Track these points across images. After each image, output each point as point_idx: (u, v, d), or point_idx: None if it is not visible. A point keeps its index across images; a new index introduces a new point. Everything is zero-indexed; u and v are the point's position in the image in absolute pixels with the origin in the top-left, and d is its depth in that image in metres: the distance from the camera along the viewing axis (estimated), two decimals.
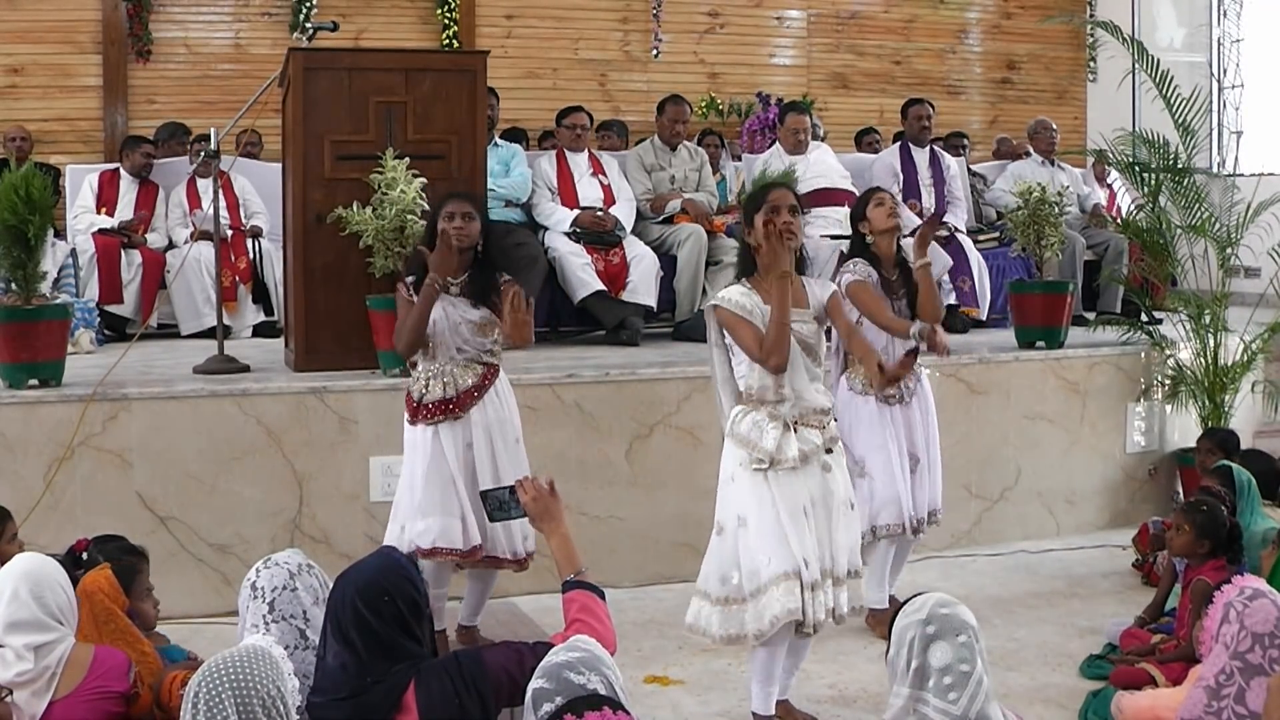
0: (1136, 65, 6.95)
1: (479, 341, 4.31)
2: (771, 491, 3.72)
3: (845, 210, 6.90)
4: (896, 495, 4.68)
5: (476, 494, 4.18)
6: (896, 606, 2.90)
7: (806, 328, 3.82)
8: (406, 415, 4.33)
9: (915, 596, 2.74)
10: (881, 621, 4.70)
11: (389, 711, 2.71)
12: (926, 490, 4.83)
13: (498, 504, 3.40)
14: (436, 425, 4.26)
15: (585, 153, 7.39)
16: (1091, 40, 11.06)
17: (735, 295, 3.82)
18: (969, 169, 8.76)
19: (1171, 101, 6.58)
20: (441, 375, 4.27)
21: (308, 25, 7.92)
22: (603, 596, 3.07)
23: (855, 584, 3.94)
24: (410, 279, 4.32)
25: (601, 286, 6.84)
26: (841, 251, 6.41)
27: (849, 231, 6.41)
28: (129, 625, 3.56)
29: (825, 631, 4.66)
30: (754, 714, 3.88)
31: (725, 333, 3.85)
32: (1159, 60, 6.70)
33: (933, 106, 8.09)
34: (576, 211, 7.08)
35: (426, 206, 5.04)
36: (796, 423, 3.78)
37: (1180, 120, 6.57)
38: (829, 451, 3.85)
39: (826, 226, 7.15)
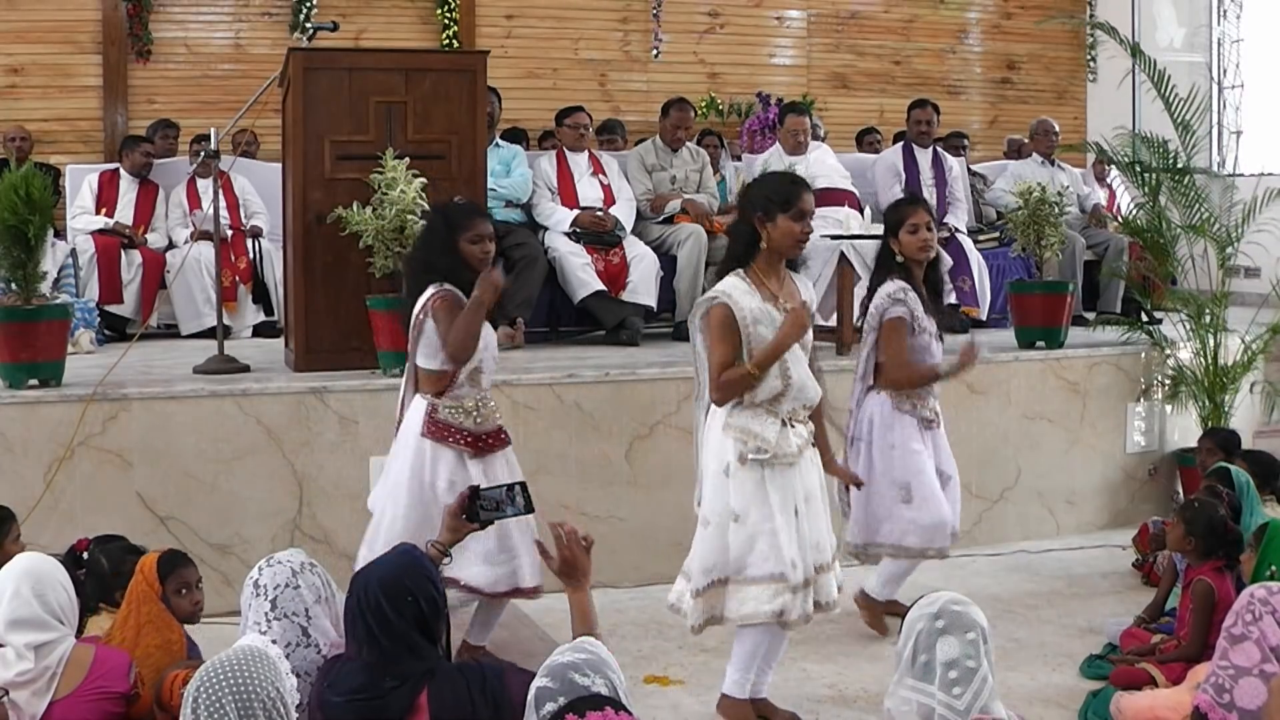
0: (1136, 66, 6.95)
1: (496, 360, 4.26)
2: (767, 489, 3.72)
3: (845, 210, 6.92)
4: (943, 519, 4.58)
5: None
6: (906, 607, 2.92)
7: None
8: (458, 442, 4.06)
9: (932, 593, 2.76)
10: (868, 606, 4.82)
11: (403, 713, 2.72)
12: (957, 505, 4.75)
13: (494, 504, 3.31)
14: (484, 459, 4.11)
15: (585, 153, 7.39)
16: (1091, 40, 11.06)
17: (739, 294, 3.73)
18: (969, 169, 8.77)
19: (1170, 101, 6.58)
20: (487, 404, 4.15)
21: (308, 25, 7.92)
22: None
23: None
24: (445, 287, 4.07)
25: (601, 286, 6.84)
26: (842, 253, 6.40)
27: (850, 231, 6.46)
28: (162, 611, 3.56)
29: (825, 632, 4.70)
30: (727, 695, 3.90)
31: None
32: (1156, 60, 6.71)
33: (937, 109, 8.09)
34: (576, 211, 7.08)
35: (426, 206, 5.04)
36: (790, 418, 3.79)
37: (1179, 120, 6.57)
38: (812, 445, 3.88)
39: (826, 226, 7.15)
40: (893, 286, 4.57)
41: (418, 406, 4.12)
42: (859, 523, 4.68)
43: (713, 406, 3.82)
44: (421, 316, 4.08)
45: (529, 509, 3.37)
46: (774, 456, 3.71)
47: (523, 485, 3.37)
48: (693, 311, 3.92)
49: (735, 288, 3.76)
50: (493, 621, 4.36)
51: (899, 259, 4.61)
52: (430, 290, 4.08)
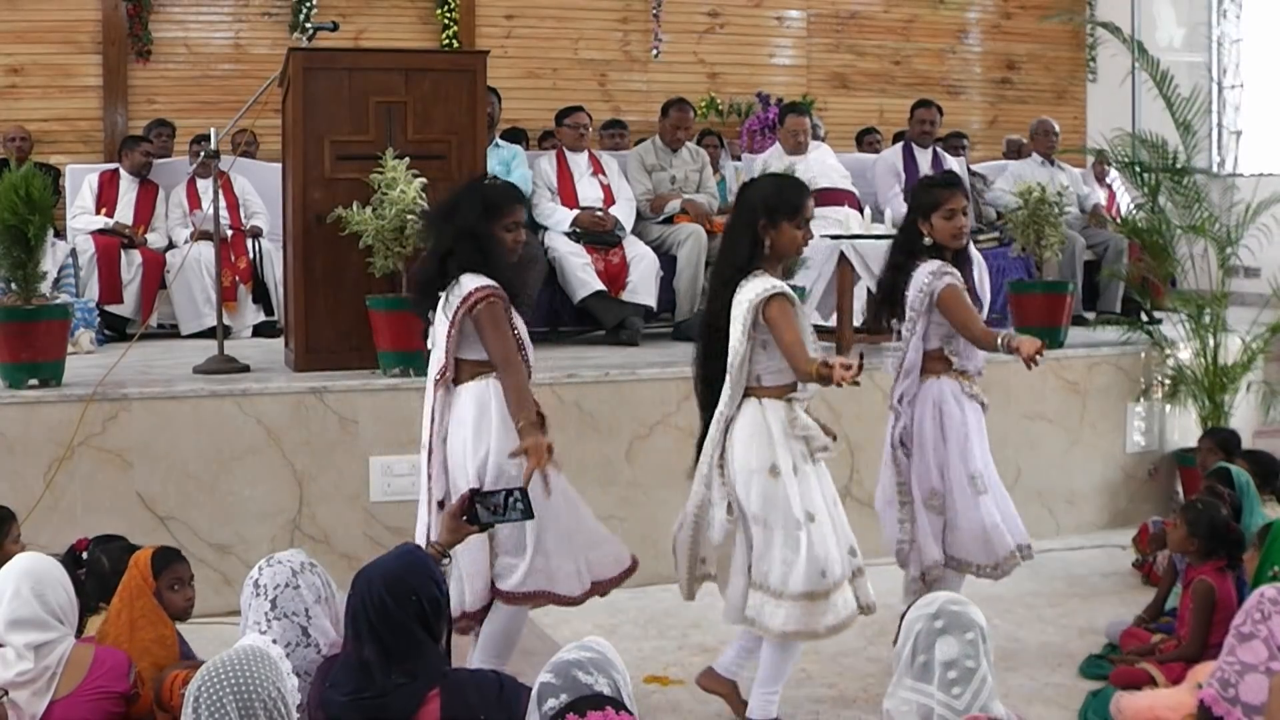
0: (1137, 65, 6.95)
1: None
2: (821, 485, 3.74)
3: (845, 210, 6.92)
4: (1014, 512, 4.39)
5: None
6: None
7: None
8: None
9: (929, 593, 2.76)
10: None
11: (409, 712, 2.73)
12: None
13: (493, 508, 3.25)
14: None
15: (585, 153, 7.40)
16: (1091, 40, 11.06)
17: (785, 290, 3.67)
18: (969, 169, 8.77)
19: (1172, 101, 6.58)
20: None
21: (308, 25, 7.92)
22: None
23: None
24: (488, 285, 3.70)
25: (601, 286, 6.84)
26: (842, 253, 6.39)
27: (850, 231, 6.45)
28: (155, 606, 3.56)
29: None
30: None
31: (768, 326, 3.62)
32: (1159, 60, 6.71)
33: (940, 110, 8.09)
34: (576, 211, 7.08)
35: (426, 206, 5.03)
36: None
37: (1180, 120, 6.57)
38: None
39: (826, 227, 7.14)
40: (933, 265, 4.20)
41: (487, 388, 3.73)
42: (936, 534, 4.29)
43: (743, 407, 3.72)
44: (462, 312, 3.68)
45: (528, 515, 3.35)
46: (825, 450, 3.74)
47: (523, 491, 3.35)
48: (747, 314, 3.64)
49: (778, 282, 3.68)
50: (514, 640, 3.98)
51: (927, 241, 4.25)
52: (470, 286, 3.68)
